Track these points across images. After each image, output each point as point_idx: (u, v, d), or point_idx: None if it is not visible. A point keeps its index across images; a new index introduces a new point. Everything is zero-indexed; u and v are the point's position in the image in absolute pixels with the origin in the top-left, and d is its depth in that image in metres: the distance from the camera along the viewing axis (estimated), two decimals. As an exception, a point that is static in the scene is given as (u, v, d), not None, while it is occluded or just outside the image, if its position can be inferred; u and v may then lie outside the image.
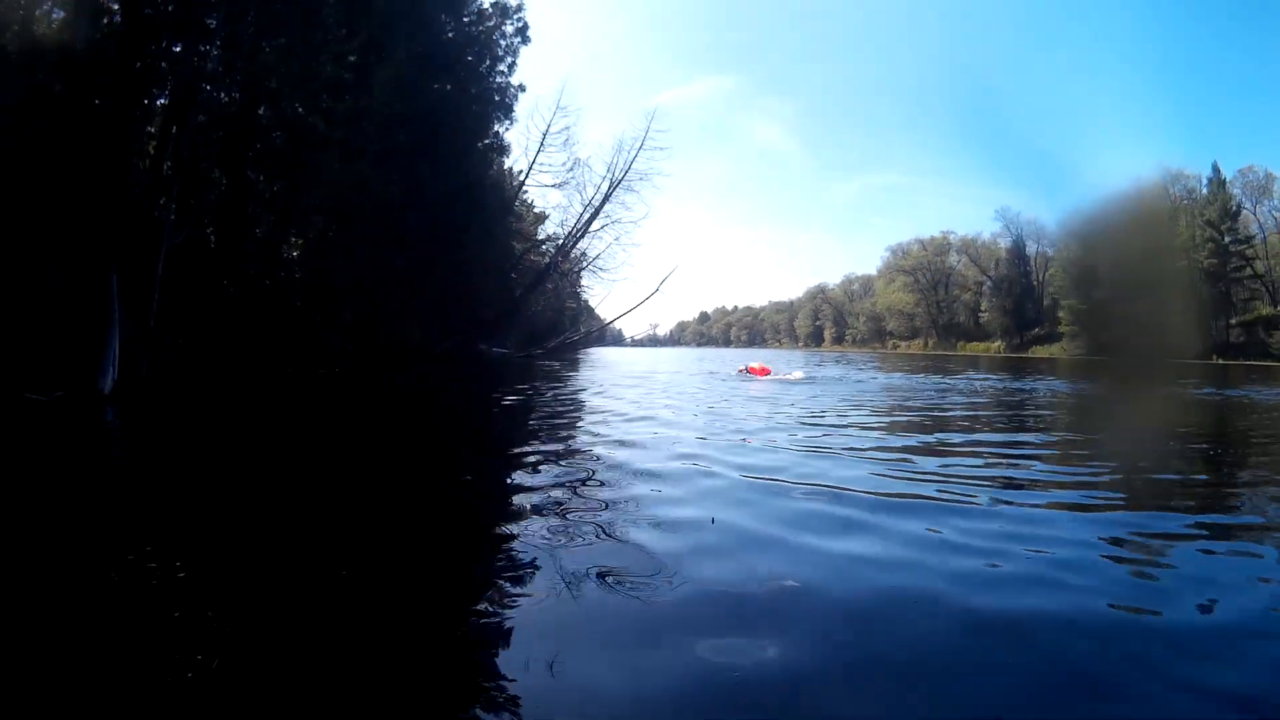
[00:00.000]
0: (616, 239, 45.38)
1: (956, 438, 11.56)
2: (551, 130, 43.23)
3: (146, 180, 19.44)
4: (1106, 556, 5.17)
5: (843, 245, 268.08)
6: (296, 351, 22.71)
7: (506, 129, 38.38)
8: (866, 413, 15.09)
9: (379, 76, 24.09)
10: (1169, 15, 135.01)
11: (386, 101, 24.20)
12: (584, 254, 47.60)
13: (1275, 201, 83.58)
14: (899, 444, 10.66)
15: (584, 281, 54.44)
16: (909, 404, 17.48)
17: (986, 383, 27.91)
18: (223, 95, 22.44)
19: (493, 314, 40.17)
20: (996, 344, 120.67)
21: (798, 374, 27.98)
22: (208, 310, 20.05)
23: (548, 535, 5.36)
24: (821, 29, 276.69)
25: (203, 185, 21.99)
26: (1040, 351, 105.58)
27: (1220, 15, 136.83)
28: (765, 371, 27.98)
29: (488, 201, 32.53)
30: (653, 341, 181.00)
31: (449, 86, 28.18)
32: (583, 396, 18.52)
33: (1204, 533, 5.77)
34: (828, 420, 13.41)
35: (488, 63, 33.27)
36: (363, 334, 26.79)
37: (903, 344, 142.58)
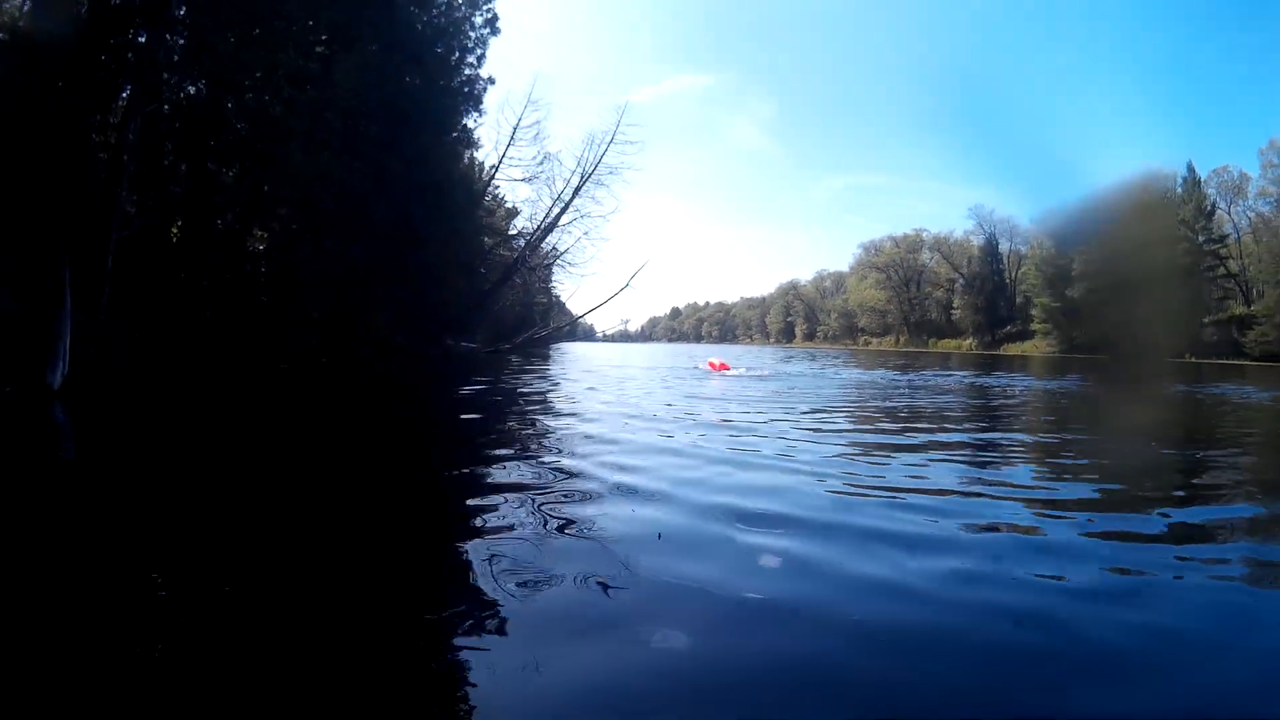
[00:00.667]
0: (585, 233, 45.61)
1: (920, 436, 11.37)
2: (522, 124, 43.33)
3: (106, 171, 18.99)
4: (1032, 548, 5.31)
5: (817, 242, 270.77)
6: (259, 346, 22.30)
7: (476, 122, 38.15)
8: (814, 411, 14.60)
9: (344, 66, 23.69)
10: (1151, 16, 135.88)
11: (352, 92, 23.80)
12: (554, 249, 47.55)
13: (1249, 201, 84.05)
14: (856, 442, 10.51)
15: (555, 277, 54.56)
16: (875, 403, 17.22)
17: (950, 379, 28.20)
18: (189, 86, 22.08)
19: (461, 309, 39.84)
20: (968, 341, 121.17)
21: (743, 369, 29.45)
22: (165, 303, 19.65)
23: (499, 532, 5.28)
24: (801, 27, 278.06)
25: (164, 177, 21.57)
26: (1012, 349, 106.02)
27: (1199, 16, 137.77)
28: (724, 367, 28.92)
29: (456, 195, 31.95)
30: (624, 337, 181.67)
31: (417, 78, 27.62)
32: (537, 392, 18.43)
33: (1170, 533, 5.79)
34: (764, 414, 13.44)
35: (456, 54, 32.75)
36: (329, 329, 26.40)
37: (874, 341, 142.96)
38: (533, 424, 11.78)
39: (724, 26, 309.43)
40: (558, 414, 13.38)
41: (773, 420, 12.41)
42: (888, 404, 16.63)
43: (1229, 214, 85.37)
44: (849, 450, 9.30)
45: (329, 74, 23.61)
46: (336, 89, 23.32)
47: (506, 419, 12.80)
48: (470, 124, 37.35)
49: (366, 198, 25.05)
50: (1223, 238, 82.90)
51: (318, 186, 23.39)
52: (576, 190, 44.42)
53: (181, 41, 20.76)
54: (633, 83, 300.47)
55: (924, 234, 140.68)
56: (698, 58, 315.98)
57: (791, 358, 56.10)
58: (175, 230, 22.58)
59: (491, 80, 35.50)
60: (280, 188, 24.14)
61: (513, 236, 50.22)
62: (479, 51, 34.18)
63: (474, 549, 4.91)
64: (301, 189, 23.60)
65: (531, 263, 49.33)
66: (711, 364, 30.12)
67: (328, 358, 24.88)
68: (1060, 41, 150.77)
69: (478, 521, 5.65)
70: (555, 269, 50.73)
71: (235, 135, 22.61)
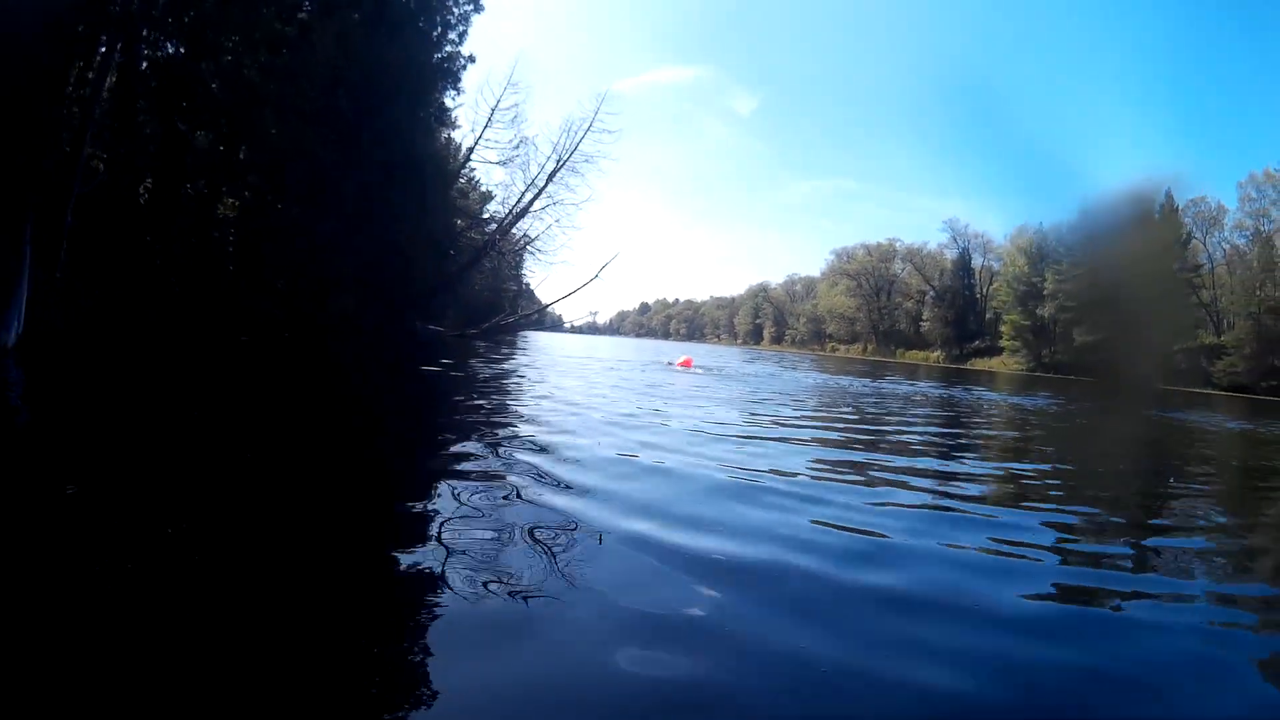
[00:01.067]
0: (557, 220, 45.17)
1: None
2: (501, 106, 42.74)
3: (75, 127, 18.56)
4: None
5: (789, 246, 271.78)
6: (223, 315, 21.86)
7: (454, 100, 37.72)
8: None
9: (322, 34, 23.29)
10: (1133, 43, 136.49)
11: (329, 61, 23.40)
12: (525, 235, 47.23)
13: (1225, 233, 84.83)
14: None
15: (526, 264, 54.21)
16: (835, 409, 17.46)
17: (900, 388, 28.75)
18: (167, 45, 21.73)
19: (428, 291, 39.43)
20: (936, 354, 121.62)
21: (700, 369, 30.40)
22: (129, 267, 19.26)
23: (448, 529, 5.07)
24: (785, 27, 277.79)
25: (136, 136, 21.13)
26: (980, 364, 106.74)
27: (1182, 42, 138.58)
28: (689, 363, 30.80)
29: (428, 173, 31.35)
30: (592, 329, 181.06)
31: (396, 51, 27.15)
32: (489, 381, 18.44)
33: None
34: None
35: (439, 30, 32.11)
36: (293, 302, 25.98)
37: (841, 348, 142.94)
38: (476, 419, 11.38)
39: (708, 20, 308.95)
40: (507, 409, 13.12)
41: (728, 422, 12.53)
42: (849, 412, 16.74)
43: (1204, 244, 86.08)
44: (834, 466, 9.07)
45: (307, 40, 23.22)
46: (314, 56, 22.95)
47: (451, 411, 12.62)
48: (449, 102, 37.06)
49: (336, 170, 24.61)
50: (1196, 267, 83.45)
51: (287, 155, 23.03)
52: (551, 176, 43.98)
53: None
54: (614, 73, 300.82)
55: (897, 244, 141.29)
56: (680, 50, 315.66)
57: (756, 359, 57.45)
58: (144, 192, 22.14)
59: (472, 58, 35.15)
60: (252, 154, 23.74)
61: (486, 220, 49.80)
62: (461, 28, 33.70)
63: (392, 547, 4.79)
64: (271, 157, 23.25)
65: (502, 248, 48.89)
66: (681, 362, 31.20)
67: (290, 332, 24.38)
68: (1046, 59, 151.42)
69: (399, 516, 5.59)
70: (526, 256, 50.36)
71: (210, 98, 22.25)
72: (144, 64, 20.65)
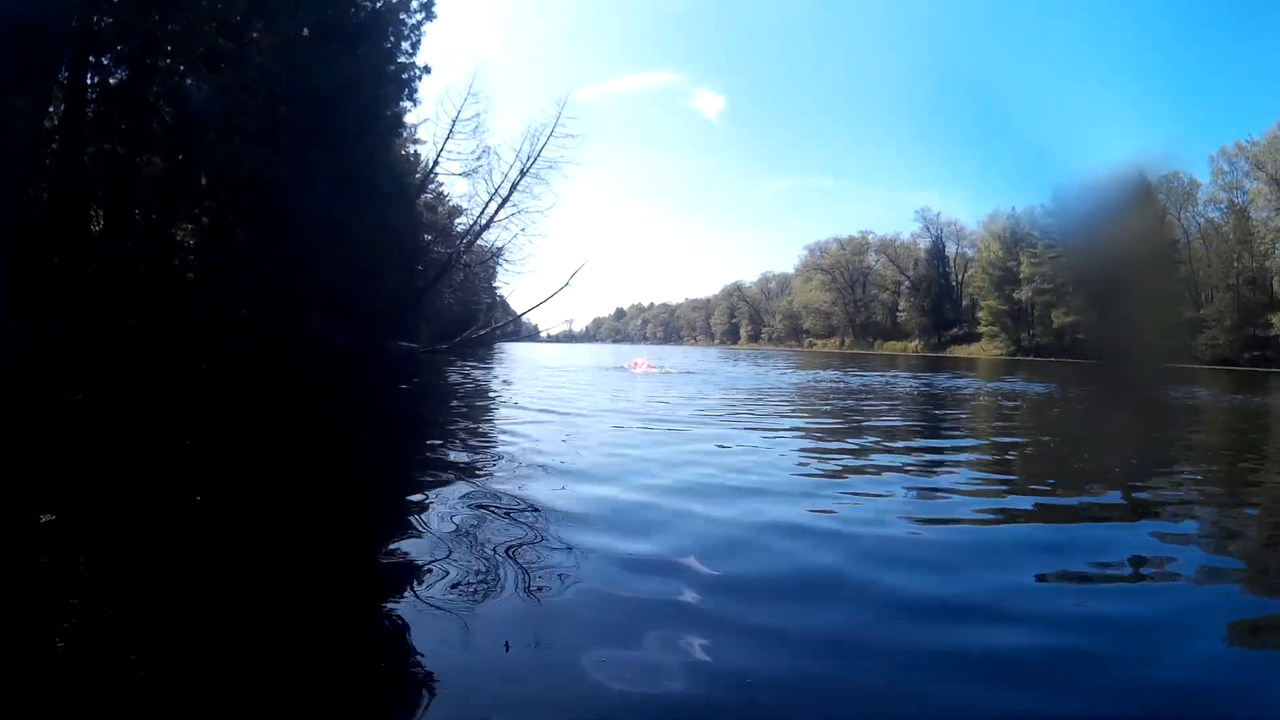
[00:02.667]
0: (523, 229, 44.53)
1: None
2: (462, 117, 42.14)
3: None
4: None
5: (760, 244, 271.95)
6: (182, 345, 20.99)
7: (409, 110, 37.34)
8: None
9: (262, 46, 22.46)
10: (1109, 18, 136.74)
11: (270, 75, 22.53)
12: (494, 246, 46.67)
13: (1199, 208, 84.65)
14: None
15: (500, 277, 54.36)
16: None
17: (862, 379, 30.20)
18: (113, 70, 21.03)
19: (396, 307, 38.75)
20: (914, 343, 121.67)
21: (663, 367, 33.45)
22: (78, 300, 18.39)
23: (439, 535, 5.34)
24: (751, 28, 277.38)
25: (81, 163, 20.30)
26: (959, 351, 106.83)
27: (1156, 19, 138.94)
28: (649, 367, 32.23)
29: (383, 185, 30.56)
30: (568, 338, 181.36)
31: (343, 63, 26.17)
32: (458, 396, 19.05)
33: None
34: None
35: (391, 41, 31.09)
36: (259, 327, 25.09)
37: (819, 343, 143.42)
38: (444, 429, 12.21)
39: (670, 24, 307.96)
40: (476, 419, 13.99)
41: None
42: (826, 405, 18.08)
43: (1179, 219, 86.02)
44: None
45: (245, 55, 22.41)
46: (253, 70, 22.09)
47: (413, 426, 13.34)
48: (407, 117, 37.04)
49: (286, 188, 23.70)
50: (1173, 243, 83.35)
51: (235, 176, 22.25)
52: (514, 185, 43.33)
53: (109, 20, 20.06)
54: (578, 81, 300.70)
55: (870, 236, 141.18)
56: (643, 56, 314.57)
57: (735, 359, 58.63)
58: (95, 223, 21.32)
59: (427, 69, 34.72)
60: (202, 178, 22.93)
61: (456, 234, 49.16)
62: (414, 38, 32.95)
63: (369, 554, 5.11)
64: (217, 179, 22.45)
65: (467, 259, 48.52)
66: (636, 364, 33.29)
67: (256, 358, 23.58)
68: (1014, 47, 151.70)
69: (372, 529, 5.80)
70: (498, 268, 50.15)
71: (158, 120, 21.47)
72: (92, 93, 19.96)
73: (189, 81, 21.40)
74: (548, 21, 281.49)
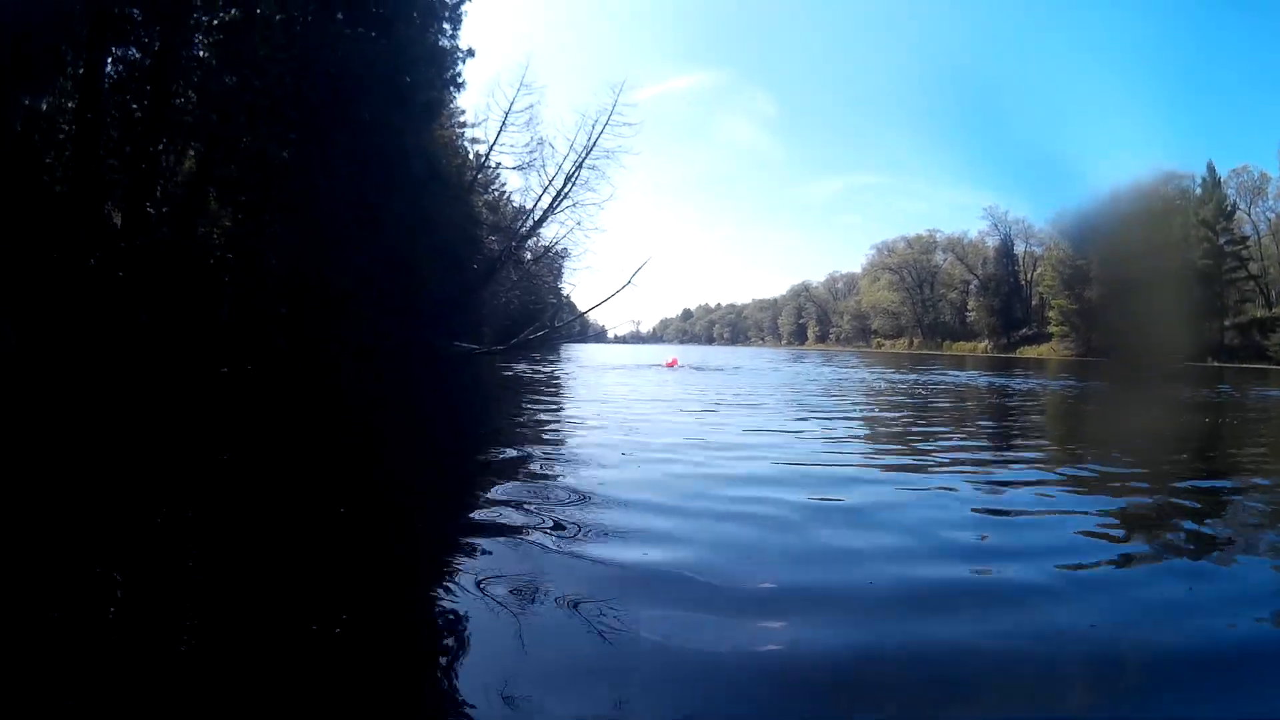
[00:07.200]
0: (579, 224, 43.56)
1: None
2: (515, 109, 41.27)
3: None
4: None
5: (822, 244, 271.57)
6: (206, 346, 20.22)
7: (454, 99, 37.15)
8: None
9: (272, 21, 21.66)
10: (1164, 14, 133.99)
11: (287, 51, 21.70)
12: (554, 241, 46.07)
13: (1270, 202, 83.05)
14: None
15: (566, 278, 55.79)
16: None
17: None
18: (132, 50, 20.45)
19: (444, 304, 37.99)
20: (984, 344, 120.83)
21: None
22: (83, 298, 17.68)
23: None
24: (800, 24, 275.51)
25: (97, 154, 19.63)
26: (1028, 351, 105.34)
27: (1215, 13, 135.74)
28: (674, 363, 35.37)
29: (418, 172, 29.25)
30: (635, 338, 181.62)
31: (368, 42, 24.94)
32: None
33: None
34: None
35: (421, 18, 28.62)
36: (297, 327, 24.24)
37: (887, 343, 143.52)
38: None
39: (719, 23, 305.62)
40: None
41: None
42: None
43: (1249, 215, 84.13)
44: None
45: (252, 26, 21.60)
46: (272, 48, 21.29)
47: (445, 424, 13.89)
48: (455, 105, 37.19)
49: (305, 171, 22.81)
50: (1243, 239, 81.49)
51: (259, 164, 21.53)
52: (569, 178, 42.34)
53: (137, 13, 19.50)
54: (631, 85, 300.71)
55: (937, 235, 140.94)
56: (696, 56, 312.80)
57: (800, 359, 61.15)
58: (117, 217, 20.65)
59: (471, 52, 33.79)
60: (232, 167, 22.19)
61: (517, 231, 48.48)
62: (452, 17, 31.91)
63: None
64: (244, 168, 21.73)
65: (519, 256, 47.72)
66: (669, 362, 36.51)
67: (291, 358, 22.78)
68: (1070, 41, 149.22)
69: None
70: (563, 268, 50.39)
71: (178, 107, 20.86)
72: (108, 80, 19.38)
73: (212, 62, 20.79)
74: (596, 15, 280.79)
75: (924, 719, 3.33)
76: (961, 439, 12.71)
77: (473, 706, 3.18)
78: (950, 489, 7.83)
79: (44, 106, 18.93)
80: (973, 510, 6.96)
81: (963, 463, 9.63)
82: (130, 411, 12.45)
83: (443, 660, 3.73)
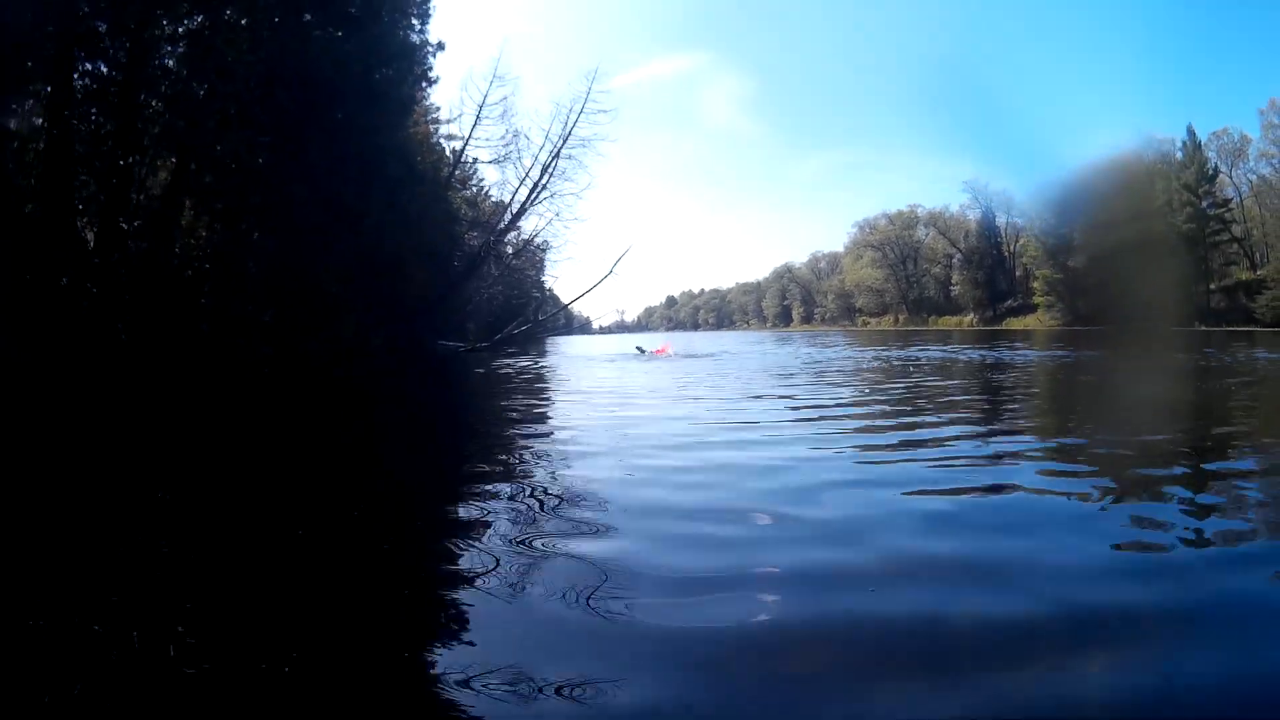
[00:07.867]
0: (557, 215, 43.38)
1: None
2: (488, 101, 41.08)
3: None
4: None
5: (808, 223, 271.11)
6: (194, 357, 19.96)
7: (427, 94, 37.57)
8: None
9: (240, 23, 21.39)
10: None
11: (255, 54, 21.42)
12: (533, 234, 45.91)
13: (1251, 164, 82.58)
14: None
15: (548, 270, 55.31)
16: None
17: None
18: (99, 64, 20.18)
19: (427, 302, 37.80)
20: (969, 317, 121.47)
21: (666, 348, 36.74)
22: (63, 319, 17.37)
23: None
24: (783, 4, 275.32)
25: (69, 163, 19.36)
26: (1015, 323, 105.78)
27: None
28: (664, 350, 35.13)
29: (392, 170, 28.90)
30: (620, 328, 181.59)
31: (338, 41, 24.68)
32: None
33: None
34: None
35: (390, 14, 28.43)
36: (281, 334, 23.92)
37: (872, 320, 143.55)
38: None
39: (699, 5, 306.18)
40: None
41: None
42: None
43: (1230, 177, 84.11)
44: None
45: (219, 31, 21.33)
46: (235, 51, 21.00)
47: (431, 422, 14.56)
48: (428, 101, 36.91)
49: (279, 176, 22.59)
50: (1225, 202, 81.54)
51: (236, 171, 21.30)
52: (546, 168, 42.11)
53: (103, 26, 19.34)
54: (607, 72, 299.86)
55: (919, 210, 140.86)
56: (672, 40, 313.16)
57: (784, 341, 61.04)
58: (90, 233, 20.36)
59: (441, 45, 33.49)
60: (206, 177, 21.94)
61: (493, 225, 48.24)
62: (419, 11, 31.68)
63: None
64: (220, 176, 21.49)
65: (500, 251, 47.68)
66: (657, 349, 36.24)
67: (279, 367, 22.52)
68: (1048, 12, 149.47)
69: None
70: (545, 261, 50.19)
71: (148, 117, 20.60)
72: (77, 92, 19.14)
73: (181, 71, 20.54)
74: (570, 11, 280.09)
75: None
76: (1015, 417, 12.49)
77: (470, 704, 3.18)
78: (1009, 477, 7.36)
79: (12, 125, 18.61)
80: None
81: (1019, 453, 8.88)
82: (110, 428, 12.23)
83: (438, 656, 3.72)
